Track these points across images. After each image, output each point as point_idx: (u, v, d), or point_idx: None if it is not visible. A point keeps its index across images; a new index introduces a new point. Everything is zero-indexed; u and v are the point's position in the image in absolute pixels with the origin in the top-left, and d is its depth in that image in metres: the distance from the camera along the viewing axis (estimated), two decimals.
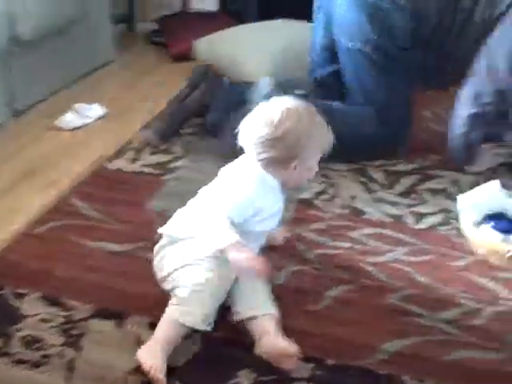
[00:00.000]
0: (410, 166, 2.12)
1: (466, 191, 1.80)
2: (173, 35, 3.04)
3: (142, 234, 1.62)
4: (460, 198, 1.74)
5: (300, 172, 1.38)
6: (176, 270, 1.34)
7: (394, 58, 2.02)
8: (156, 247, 1.41)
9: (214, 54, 2.67)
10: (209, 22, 3.01)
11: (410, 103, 2.14)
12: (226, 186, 1.36)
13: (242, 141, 1.37)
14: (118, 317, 1.38)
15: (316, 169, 1.42)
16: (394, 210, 1.86)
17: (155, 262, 1.40)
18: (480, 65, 1.92)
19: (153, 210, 1.73)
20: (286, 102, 1.36)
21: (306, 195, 1.88)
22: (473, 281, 1.57)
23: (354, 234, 1.72)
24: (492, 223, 1.63)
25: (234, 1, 3.36)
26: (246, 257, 1.24)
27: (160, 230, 1.42)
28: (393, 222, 1.80)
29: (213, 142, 2.08)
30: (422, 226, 1.80)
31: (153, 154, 2.06)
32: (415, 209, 1.88)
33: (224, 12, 3.38)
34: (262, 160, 1.35)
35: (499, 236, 1.61)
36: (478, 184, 1.85)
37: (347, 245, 1.67)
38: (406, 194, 1.96)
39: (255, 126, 1.34)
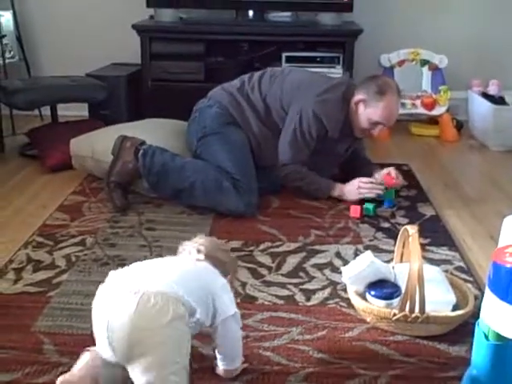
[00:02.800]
0: (293, 245, 2.20)
1: (349, 262, 1.89)
2: (46, 146, 3.02)
3: (31, 358, 1.54)
4: (344, 269, 1.81)
5: None
6: None
7: None
8: None
9: (91, 151, 2.74)
10: (80, 129, 3.02)
11: None
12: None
13: None
14: None
15: None
16: (284, 291, 1.90)
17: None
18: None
19: (40, 331, 1.66)
20: None
21: None
22: (367, 349, 1.63)
23: (249, 322, 1.73)
24: (374, 292, 1.71)
25: (104, 106, 3.41)
26: None
27: None
28: (285, 304, 1.84)
29: None
30: (313, 302, 1.85)
31: (35, 271, 2.00)
32: (304, 286, 1.93)
33: (94, 118, 3.42)
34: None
35: (382, 302, 1.69)
36: (358, 254, 1.95)
37: (243, 334, 1.67)
38: (293, 273, 2.02)
39: None
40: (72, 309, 1.78)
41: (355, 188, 2.55)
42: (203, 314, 1.39)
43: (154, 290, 1.31)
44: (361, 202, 2.53)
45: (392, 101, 2.52)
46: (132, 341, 1.27)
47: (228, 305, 1.46)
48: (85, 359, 1.38)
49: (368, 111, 2.52)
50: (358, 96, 2.54)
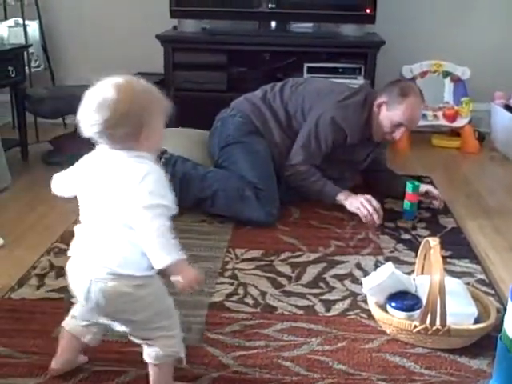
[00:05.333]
0: (313, 256, 2.20)
1: (369, 273, 1.89)
2: (68, 155, 3.05)
3: None
4: (364, 280, 1.80)
5: (152, 139, 1.38)
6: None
7: None
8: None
9: None
10: None
11: None
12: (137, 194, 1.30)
13: (86, 131, 1.34)
14: None
15: (163, 130, 1.42)
16: (304, 301, 1.90)
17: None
18: None
19: None
20: (110, 81, 1.36)
21: (216, 298, 1.89)
22: (387, 361, 1.62)
23: (269, 331, 1.74)
24: (394, 303, 1.70)
25: None
26: (193, 272, 1.32)
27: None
28: (304, 314, 1.84)
29: None
30: (332, 313, 1.85)
31: (57, 277, 2.02)
32: (324, 297, 1.93)
33: None
34: (115, 139, 1.33)
35: (403, 314, 1.68)
36: (378, 265, 1.94)
37: (262, 343, 1.68)
38: (313, 283, 2.02)
39: (95, 113, 1.32)
40: None
41: (358, 202, 2.50)
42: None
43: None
44: None
45: (414, 102, 2.53)
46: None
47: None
48: (62, 344, 1.53)
49: (390, 113, 2.53)
50: (381, 99, 2.56)
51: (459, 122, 3.67)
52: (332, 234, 2.39)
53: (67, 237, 2.31)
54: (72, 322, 1.52)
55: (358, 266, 2.14)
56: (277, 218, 2.48)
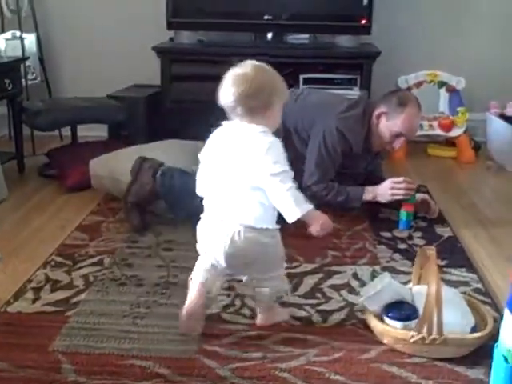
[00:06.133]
0: (310, 266, 2.20)
1: (366, 283, 1.88)
2: (65, 167, 3.06)
3: (48, 378, 1.55)
4: (361, 291, 1.80)
5: (273, 118, 1.68)
6: None
7: None
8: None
9: (110, 171, 2.78)
10: (100, 149, 3.05)
11: None
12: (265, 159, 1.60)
13: (224, 101, 1.64)
14: None
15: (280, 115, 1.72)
16: (301, 312, 1.90)
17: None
18: None
19: (58, 350, 1.68)
20: (250, 63, 1.66)
21: (213, 310, 1.89)
22: (384, 371, 1.62)
23: (265, 343, 1.73)
24: (391, 313, 1.70)
25: (124, 126, 3.45)
26: (322, 217, 1.66)
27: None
28: (301, 325, 1.83)
29: None
30: (329, 323, 1.84)
31: (53, 291, 2.02)
32: (321, 307, 1.93)
33: (113, 138, 3.46)
34: (246, 110, 1.62)
35: (400, 324, 1.68)
36: (375, 275, 1.94)
37: (259, 354, 1.67)
38: (310, 294, 2.01)
39: (233, 86, 1.62)
40: (89, 328, 1.79)
41: (388, 189, 2.55)
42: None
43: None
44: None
45: (413, 112, 2.55)
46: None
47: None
48: (191, 295, 1.73)
49: (390, 123, 2.55)
50: (380, 109, 2.57)
51: (455, 132, 3.68)
52: (329, 244, 2.39)
53: (63, 249, 2.32)
54: (202, 275, 1.74)
55: (355, 276, 2.14)
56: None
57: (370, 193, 2.58)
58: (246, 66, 1.65)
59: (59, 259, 2.24)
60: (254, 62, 1.66)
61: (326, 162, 2.59)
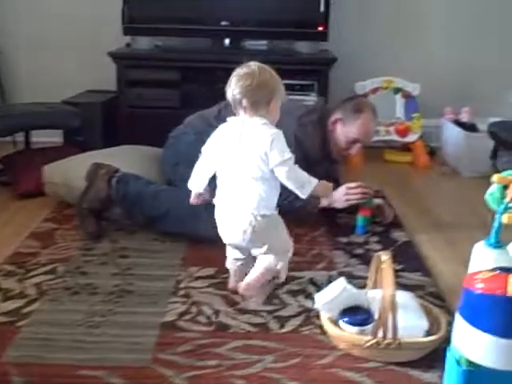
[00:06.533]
0: None
1: (322, 288, 1.88)
2: (18, 173, 2.99)
3: None
4: (317, 296, 1.81)
5: (273, 113, 1.87)
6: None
7: None
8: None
9: (64, 177, 2.74)
10: (54, 155, 3.00)
11: None
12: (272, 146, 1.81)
13: (231, 94, 1.85)
14: None
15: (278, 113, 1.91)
16: (257, 319, 1.89)
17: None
18: None
19: (8, 362, 1.63)
20: (254, 63, 1.87)
21: (168, 318, 1.87)
22: (339, 376, 1.62)
23: (221, 350, 1.72)
24: (347, 318, 1.71)
25: (79, 132, 3.40)
26: (324, 185, 1.91)
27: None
28: (258, 331, 1.83)
29: None
30: (286, 329, 1.84)
31: (4, 300, 1.96)
32: (278, 313, 1.93)
33: (69, 144, 3.41)
34: (251, 103, 1.82)
35: (355, 329, 1.68)
36: (331, 280, 1.95)
37: (215, 362, 1.66)
38: (267, 300, 2.00)
39: (239, 81, 1.83)
40: (42, 339, 1.75)
41: (343, 195, 2.55)
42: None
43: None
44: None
45: (368, 118, 2.57)
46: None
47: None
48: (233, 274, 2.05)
49: (346, 129, 2.57)
50: (336, 116, 2.59)
51: (410, 137, 3.73)
52: None
53: (15, 258, 2.27)
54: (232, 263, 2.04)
55: (312, 281, 2.14)
56: None
57: (326, 200, 2.59)
58: (251, 66, 1.86)
59: (11, 268, 2.18)
60: (257, 62, 1.88)
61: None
